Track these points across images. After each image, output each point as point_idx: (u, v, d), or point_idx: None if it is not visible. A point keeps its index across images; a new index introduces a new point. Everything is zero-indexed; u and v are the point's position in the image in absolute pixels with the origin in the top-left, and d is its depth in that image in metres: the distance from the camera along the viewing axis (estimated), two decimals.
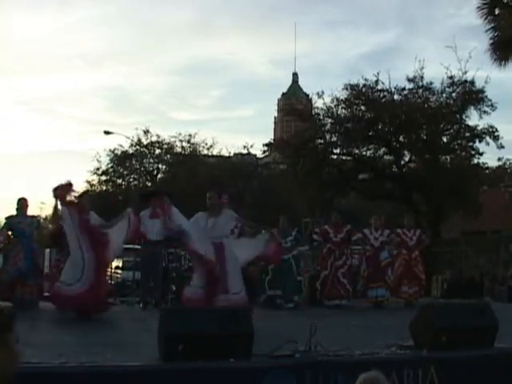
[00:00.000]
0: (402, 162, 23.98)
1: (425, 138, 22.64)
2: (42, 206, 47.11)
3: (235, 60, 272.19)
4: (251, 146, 32.75)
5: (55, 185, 9.15)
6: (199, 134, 37.20)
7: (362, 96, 22.64)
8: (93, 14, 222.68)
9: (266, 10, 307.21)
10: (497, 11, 19.49)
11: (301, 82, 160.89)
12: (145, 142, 34.73)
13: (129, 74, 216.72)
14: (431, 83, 22.56)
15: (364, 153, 23.92)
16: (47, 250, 13.89)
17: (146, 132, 34.53)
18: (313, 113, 23.99)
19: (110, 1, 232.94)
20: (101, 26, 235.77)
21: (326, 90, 23.21)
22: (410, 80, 22.53)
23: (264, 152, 28.86)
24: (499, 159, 30.35)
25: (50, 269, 10.98)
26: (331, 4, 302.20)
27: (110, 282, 13.96)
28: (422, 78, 22.42)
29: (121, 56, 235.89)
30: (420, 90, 22.66)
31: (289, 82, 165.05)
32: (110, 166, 35.65)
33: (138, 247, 12.09)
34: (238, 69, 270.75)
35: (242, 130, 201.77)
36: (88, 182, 36.62)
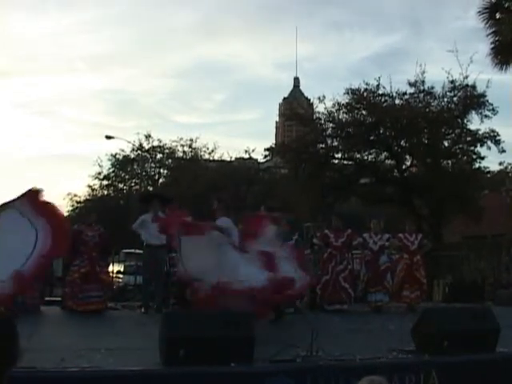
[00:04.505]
0: (404, 167, 23.97)
1: (426, 142, 22.64)
2: None
3: (239, 63, 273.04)
4: (253, 151, 32.84)
5: None
6: (201, 138, 37.37)
7: (364, 100, 22.65)
8: (94, 16, 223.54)
9: (270, 13, 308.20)
10: (498, 16, 19.54)
11: (306, 85, 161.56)
12: (146, 147, 34.82)
13: (131, 76, 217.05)
14: (432, 87, 22.60)
15: (365, 157, 23.92)
16: None
17: (148, 137, 34.64)
18: (314, 117, 24.00)
19: (112, 3, 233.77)
20: (103, 27, 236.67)
21: (330, 93, 23.29)
22: (411, 84, 22.56)
23: (265, 156, 28.91)
24: (500, 163, 30.45)
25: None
26: (337, 6, 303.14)
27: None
28: (423, 82, 22.46)
29: (123, 58, 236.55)
30: (421, 95, 22.67)
31: (292, 85, 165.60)
32: (111, 170, 35.76)
33: (140, 252, 12.10)
34: (242, 72, 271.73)
35: (246, 134, 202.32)
36: (89, 186, 36.75)
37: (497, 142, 22.16)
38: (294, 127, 42.81)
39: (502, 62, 19.80)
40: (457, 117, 22.47)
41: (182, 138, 34.81)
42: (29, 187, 8.92)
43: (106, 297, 10.60)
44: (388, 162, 24.47)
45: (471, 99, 22.13)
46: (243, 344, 5.46)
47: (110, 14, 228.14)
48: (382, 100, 22.89)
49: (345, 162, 24.89)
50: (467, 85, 22.16)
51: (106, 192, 36.85)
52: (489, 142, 22.16)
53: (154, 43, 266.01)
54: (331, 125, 23.25)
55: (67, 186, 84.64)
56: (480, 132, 22.23)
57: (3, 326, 2.22)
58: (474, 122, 22.39)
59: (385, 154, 23.86)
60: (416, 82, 22.47)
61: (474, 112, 22.17)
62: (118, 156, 35.18)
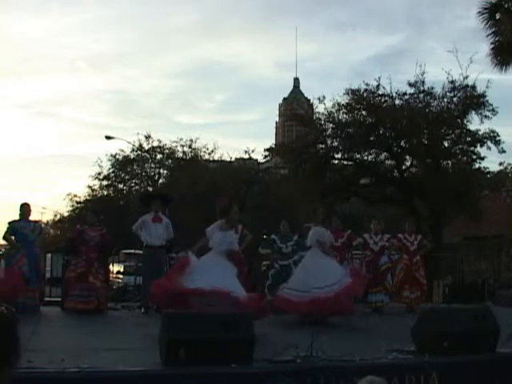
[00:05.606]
0: (404, 167, 23.96)
1: (426, 142, 22.62)
2: (43, 210, 47.26)
3: (239, 63, 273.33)
4: (252, 151, 32.80)
5: None
6: (201, 138, 37.29)
7: (363, 101, 22.64)
8: (96, 16, 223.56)
9: (270, 13, 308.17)
10: (497, 16, 19.53)
11: (307, 85, 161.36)
12: (146, 147, 34.77)
13: (133, 76, 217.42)
14: (432, 88, 22.59)
15: (365, 158, 23.91)
16: (48, 255, 13.95)
17: (148, 137, 34.58)
18: (314, 118, 24.00)
19: (114, 3, 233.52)
20: (104, 28, 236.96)
21: (332, 93, 23.22)
22: (411, 85, 22.55)
23: (265, 157, 28.90)
24: (501, 164, 30.41)
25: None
26: (337, 6, 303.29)
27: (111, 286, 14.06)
28: (423, 82, 22.43)
29: (124, 58, 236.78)
30: (421, 95, 22.66)
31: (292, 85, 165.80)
32: (111, 170, 35.70)
33: (140, 252, 12.10)
34: (242, 72, 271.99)
35: (246, 134, 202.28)
36: (89, 186, 36.69)
37: (497, 143, 22.15)
38: (294, 127, 42.85)
39: (501, 63, 19.79)
40: (457, 117, 22.45)
41: (181, 139, 34.75)
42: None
43: (103, 298, 10.54)
44: (388, 162, 24.47)
45: (471, 99, 22.12)
46: (243, 345, 5.45)
47: (111, 15, 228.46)
48: (382, 100, 22.88)
49: (345, 163, 24.89)
50: (467, 85, 22.16)
51: (105, 192, 36.79)
52: (489, 143, 22.17)
53: (155, 43, 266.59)
54: (331, 125, 23.24)
55: (67, 186, 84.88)
56: (480, 132, 22.22)
57: (5, 326, 2.22)
58: (474, 123, 22.40)
59: (385, 154, 23.85)
60: (416, 82, 22.47)
61: (473, 112, 22.16)
62: (117, 156, 35.15)
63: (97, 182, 36.28)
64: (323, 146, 23.63)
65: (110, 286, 12.83)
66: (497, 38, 19.58)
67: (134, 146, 34.30)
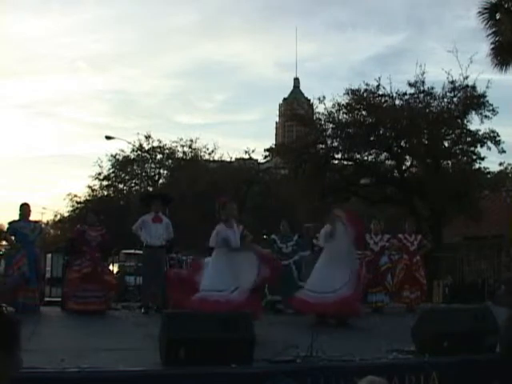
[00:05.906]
0: (404, 167, 23.97)
1: (426, 142, 22.63)
2: (43, 210, 47.24)
3: (239, 63, 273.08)
4: (253, 151, 32.82)
5: None
6: (201, 138, 37.30)
7: (363, 101, 22.65)
8: (96, 16, 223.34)
9: (272, 13, 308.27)
10: (498, 16, 19.52)
11: (308, 85, 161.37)
12: (146, 147, 34.76)
13: (133, 76, 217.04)
14: (432, 88, 22.60)
15: (365, 158, 23.92)
16: (48, 255, 13.94)
17: (148, 137, 34.58)
18: (314, 118, 24.01)
19: (114, 3, 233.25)
20: (104, 28, 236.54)
21: (332, 93, 23.19)
22: (411, 85, 22.56)
23: (265, 157, 28.91)
24: (501, 164, 30.41)
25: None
26: (339, 6, 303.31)
27: None
28: (423, 82, 22.45)
29: (124, 58, 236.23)
30: (421, 95, 22.66)
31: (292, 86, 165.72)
32: (111, 171, 35.70)
33: (140, 252, 12.10)
34: (242, 72, 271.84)
35: (246, 134, 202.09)
36: (89, 186, 36.67)
37: (497, 143, 22.17)
38: (294, 128, 42.83)
39: (501, 63, 19.78)
40: (457, 117, 22.46)
41: (181, 139, 34.77)
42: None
43: (107, 298, 10.57)
44: (388, 162, 24.49)
45: (471, 100, 22.13)
46: (243, 345, 5.45)
47: (111, 15, 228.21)
48: (382, 100, 22.89)
49: (345, 163, 24.91)
50: (467, 85, 22.17)
51: (106, 192, 36.79)
52: (489, 143, 22.18)
53: (155, 43, 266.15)
54: (331, 125, 23.26)
55: (67, 186, 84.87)
56: (480, 132, 22.24)
57: (7, 327, 2.22)
58: (474, 123, 22.43)
59: (385, 154, 23.86)
60: (416, 82, 22.49)
61: (474, 112, 22.18)
62: (117, 156, 35.15)
63: (97, 182, 36.31)
64: (323, 146, 23.64)
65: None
66: (497, 38, 19.57)
67: (134, 146, 34.34)
